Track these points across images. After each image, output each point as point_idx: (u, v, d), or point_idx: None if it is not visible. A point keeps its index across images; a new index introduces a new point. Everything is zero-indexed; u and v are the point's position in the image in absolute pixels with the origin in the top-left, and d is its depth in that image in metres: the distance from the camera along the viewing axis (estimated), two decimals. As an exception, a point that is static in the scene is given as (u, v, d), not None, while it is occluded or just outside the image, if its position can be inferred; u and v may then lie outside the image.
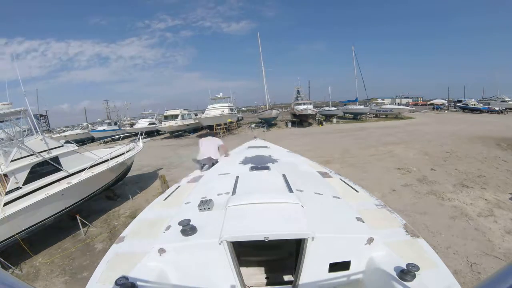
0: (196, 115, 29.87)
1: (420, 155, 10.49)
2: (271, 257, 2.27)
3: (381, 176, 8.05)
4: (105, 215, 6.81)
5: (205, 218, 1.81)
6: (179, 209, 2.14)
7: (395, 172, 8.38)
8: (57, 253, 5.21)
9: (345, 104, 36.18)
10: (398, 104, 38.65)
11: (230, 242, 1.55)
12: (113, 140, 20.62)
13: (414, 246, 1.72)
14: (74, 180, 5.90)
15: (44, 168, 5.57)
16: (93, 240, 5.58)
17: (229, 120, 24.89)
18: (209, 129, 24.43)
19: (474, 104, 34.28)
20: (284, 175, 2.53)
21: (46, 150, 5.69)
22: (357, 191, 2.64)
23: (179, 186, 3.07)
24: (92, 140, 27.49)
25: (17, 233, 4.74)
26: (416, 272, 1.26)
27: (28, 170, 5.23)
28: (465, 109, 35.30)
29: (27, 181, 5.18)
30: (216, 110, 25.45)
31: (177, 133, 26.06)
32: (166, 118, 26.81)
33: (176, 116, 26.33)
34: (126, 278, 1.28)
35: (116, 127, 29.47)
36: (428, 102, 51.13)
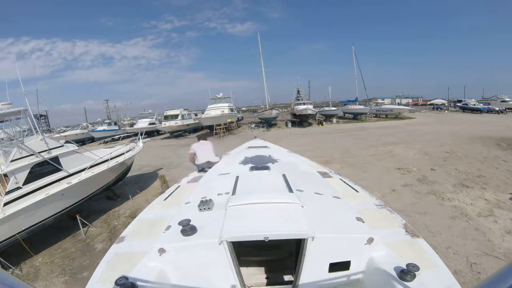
0: (196, 115, 29.91)
1: (420, 155, 10.48)
2: (271, 257, 2.27)
3: (381, 176, 8.05)
4: (105, 215, 6.81)
5: (205, 218, 1.80)
6: (179, 209, 2.14)
7: (395, 172, 8.38)
8: (57, 253, 5.20)
9: (345, 104, 36.17)
10: (398, 104, 38.60)
11: (230, 242, 1.55)
12: (113, 140, 20.61)
13: (414, 246, 1.72)
14: (74, 180, 5.90)
15: (44, 168, 5.58)
16: (93, 240, 5.58)
17: (229, 120, 24.87)
18: (209, 129, 24.44)
19: (474, 104, 34.25)
20: (284, 175, 2.53)
21: (46, 150, 5.69)
22: (357, 191, 2.65)
23: (179, 186, 3.08)
24: (92, 140, 27.48)
25: (17, 233, 4.74)
26: (416, 272, 1.26)
27: (28, 170, 5.23)
28: (465, 109, 35.28)
29: (27, 181, 5.18)
30: (216, 110, 25.46)
31: (177, 133, 26.05)
32: (166, 118, 26.85)
33: (176, 116, 26.36)
34: (126, 278, 1.28)
35: (116, 127, 29.47)
36: (428, 102, 51.09)
